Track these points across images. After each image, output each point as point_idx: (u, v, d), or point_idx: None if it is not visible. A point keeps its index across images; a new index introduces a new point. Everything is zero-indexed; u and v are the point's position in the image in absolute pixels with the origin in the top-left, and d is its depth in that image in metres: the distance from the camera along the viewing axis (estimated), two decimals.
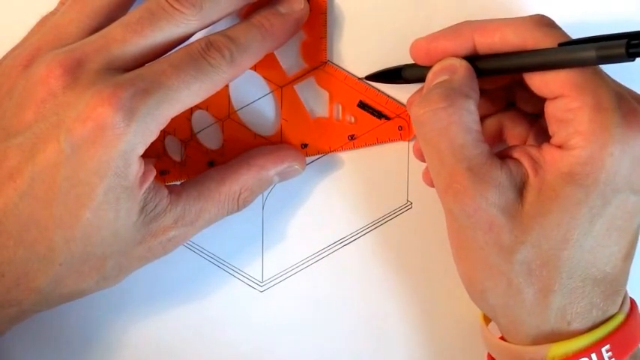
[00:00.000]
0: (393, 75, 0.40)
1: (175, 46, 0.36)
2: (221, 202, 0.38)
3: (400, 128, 0.41)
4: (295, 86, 0.41)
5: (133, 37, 0.34)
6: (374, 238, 0.43)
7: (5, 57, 0.38)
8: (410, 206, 0.42)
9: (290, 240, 0.43)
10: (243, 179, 0.39)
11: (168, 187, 0.37)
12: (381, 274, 0.43)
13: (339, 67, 0.41)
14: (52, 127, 0.33)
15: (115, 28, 0.35)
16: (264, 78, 0.41)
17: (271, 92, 0.41)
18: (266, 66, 0.40)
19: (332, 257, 0.43)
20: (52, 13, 0.38)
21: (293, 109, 0.41)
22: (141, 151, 0.34)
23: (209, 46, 0.35)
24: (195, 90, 0.34)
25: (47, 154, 0.33)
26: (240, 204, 0.39)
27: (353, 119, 0.41)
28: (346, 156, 0.42)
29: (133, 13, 0.35)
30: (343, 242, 0.43)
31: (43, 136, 0.34)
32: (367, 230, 0.43)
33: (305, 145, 0.41)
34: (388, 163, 0.42)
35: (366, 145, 0.41)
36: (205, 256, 0.43)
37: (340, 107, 0.41)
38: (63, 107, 0.33)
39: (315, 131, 0.41)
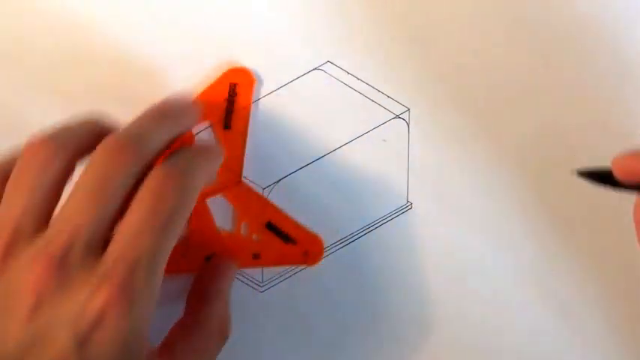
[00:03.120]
0: (604, 177, 0.36)
1: (133, 191, 0.34)
2: (210, 350, 0.39)
3: (305, 254, 0.42)
4: (207, 200, 0.41)
5: (94, 210, 0.33)
6: (374, 239, 0.43)
7: None
8: (410, 207, 0.42)
9: None
10: (216, 315, 0.40)
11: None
12: (381, 275, 0.43)
13: (253, 186, 0.41)
14: (47, 332, 0.32)
15: (74, 209, 0.33)
16: None
17: None
18: None
19: (332, 258, 0.43)
20: None
21: (202, 221, 0.41)
22: (147, 326, 0.33)
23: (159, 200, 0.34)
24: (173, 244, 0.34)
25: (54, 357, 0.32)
26: (225, 334, 0.40)
27: (258, 238, 0.42)
28: (346, 156, 0.42)
29: (84, 184, 0.33)
30: (343, 243, 0.43)
31: (41, 346, 0.32)
32: (367, 231, 0.43)
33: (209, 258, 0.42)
34: (388, 163, 0.42)
35: (270, 265, 0.42)
36: None
37: (247, 226, 0.42)
38: (57, 311, 0.32)
39: (221, 246, 0.42)
